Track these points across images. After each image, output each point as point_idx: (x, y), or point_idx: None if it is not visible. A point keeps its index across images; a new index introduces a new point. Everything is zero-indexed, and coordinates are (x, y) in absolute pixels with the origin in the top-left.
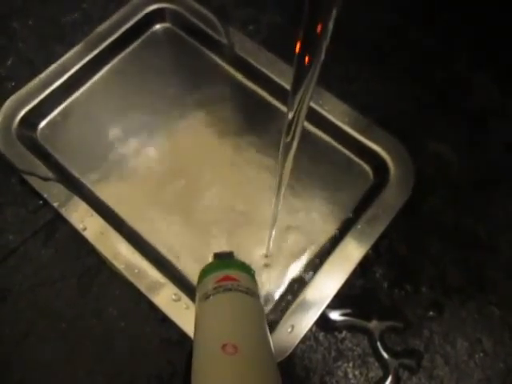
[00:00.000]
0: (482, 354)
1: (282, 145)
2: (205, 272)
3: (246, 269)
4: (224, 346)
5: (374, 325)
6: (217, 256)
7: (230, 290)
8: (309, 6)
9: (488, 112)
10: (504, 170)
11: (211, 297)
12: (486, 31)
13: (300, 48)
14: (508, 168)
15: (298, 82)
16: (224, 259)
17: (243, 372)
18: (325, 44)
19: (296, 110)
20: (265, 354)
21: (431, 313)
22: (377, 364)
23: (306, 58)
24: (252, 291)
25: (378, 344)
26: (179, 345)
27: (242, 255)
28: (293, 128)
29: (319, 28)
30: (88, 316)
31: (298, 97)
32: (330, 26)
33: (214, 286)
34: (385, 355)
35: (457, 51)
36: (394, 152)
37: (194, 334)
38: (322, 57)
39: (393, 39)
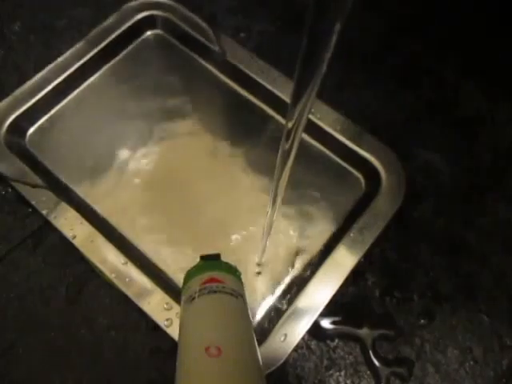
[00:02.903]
0: (472, 362)
1: (279, 154)
2: (190, 274)
3: (232, 270)
4: (208, 349)
5: (365, 333)
6: (203, 258)
7: (215, 292)
8: (312, 19)
9: (477, 120)
10: (494, 178)
11: (196, 299)
12: (474, 40)
13: (301, 60)
14: (497, 175)
15: (298, 93)
16: (210, 261)
17: (227, 374)
18: (327, 57)
19: (296, 120)
20: (249, 356)
21: (422, 321)
22: (369, 372)
23: (307, 71)
24: (237, 293)
25: (370, 352)
26: (170, 354)
27: (234, 263)
28: (291, 138)
29: (322, 41)
30: (77, 325)
31: (299, 108)
32: (334, 39)
33: (199, 288)
34: (376, 363)
35: (446, 60)
36: (385, 160)
37: (179, 336)
38: (324, 69)
39: (384, 48)
